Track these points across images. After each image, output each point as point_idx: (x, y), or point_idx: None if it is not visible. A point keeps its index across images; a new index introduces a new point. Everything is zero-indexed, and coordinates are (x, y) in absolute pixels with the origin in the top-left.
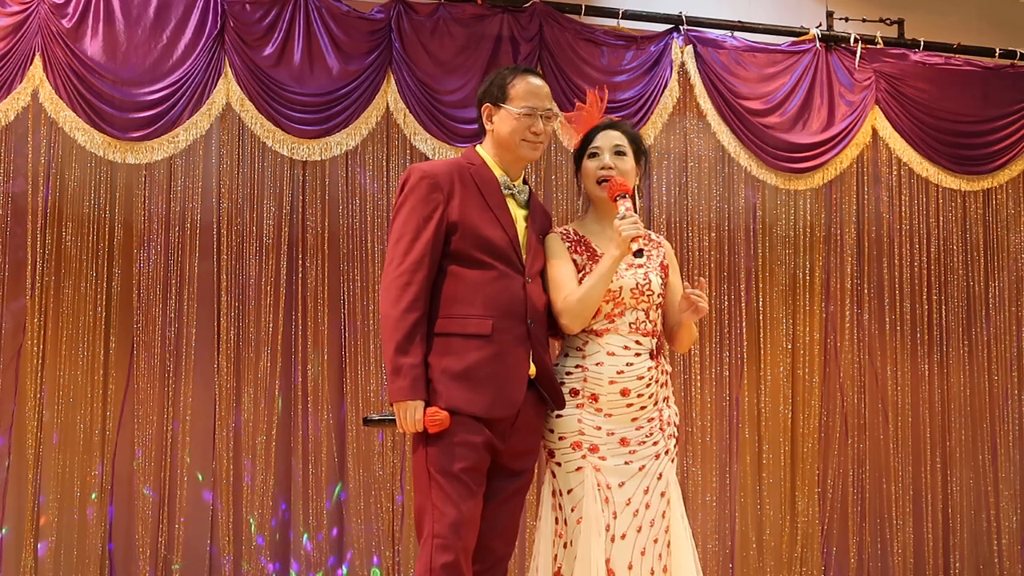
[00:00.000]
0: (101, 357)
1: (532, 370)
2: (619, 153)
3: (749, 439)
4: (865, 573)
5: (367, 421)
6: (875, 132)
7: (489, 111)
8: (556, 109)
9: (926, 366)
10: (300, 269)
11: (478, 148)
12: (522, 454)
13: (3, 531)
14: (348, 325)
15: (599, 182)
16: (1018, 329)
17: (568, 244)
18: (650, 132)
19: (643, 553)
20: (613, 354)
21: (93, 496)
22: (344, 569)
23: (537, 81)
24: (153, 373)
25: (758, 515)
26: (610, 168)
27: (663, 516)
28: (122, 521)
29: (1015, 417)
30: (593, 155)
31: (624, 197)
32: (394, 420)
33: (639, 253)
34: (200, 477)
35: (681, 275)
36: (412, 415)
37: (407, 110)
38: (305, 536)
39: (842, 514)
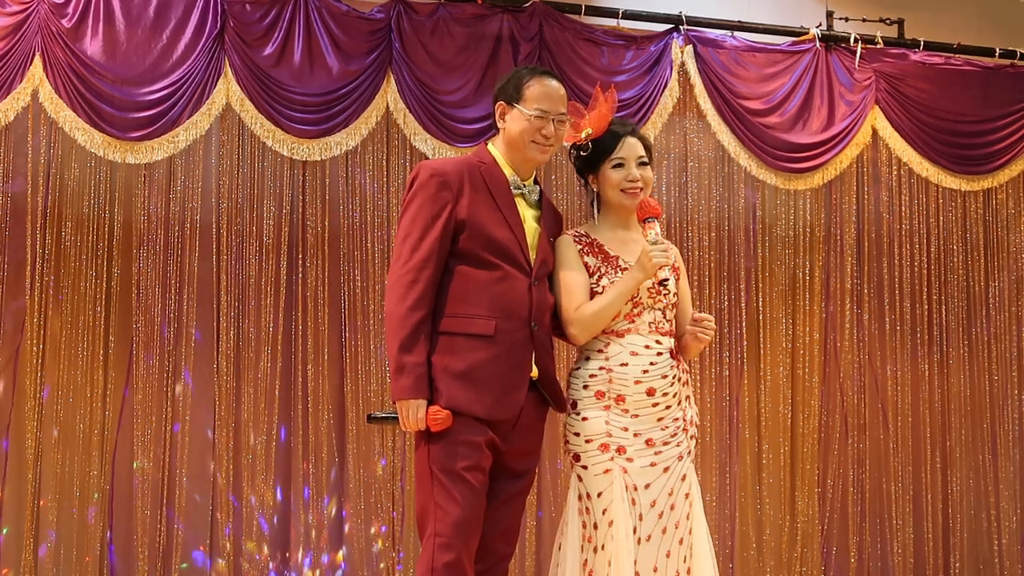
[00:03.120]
0: (101, 357)
1: (534, 372)
2: (643, 164)
3: (749, 439)
4: (865, 573)
5: (371, 419)
6: (875, 132)
7: (503, 109)
8: (567, 117)
9: (926, 366)
10: (300, 269)
11: (489, 146)
12: (524, 455)
13: (3, 531)
14: (348, 325)
15: (623, 191)
16: (1018, 329)
17: (580, 247)
18: (650, 132)
19: (668, 555)
20: (636, 354)
21: (93, 496)
22: (344, 568)
23: (554, 84)
24: (152, 373)
25: (758, 515)
26: (637, 180)
27: (687, 518)
28: (122, 521)
29: (1015, 417)
30: (618, 165)
31: (653, 221)
32: (397, 418)
33: (664, 282)
34: (199, 477)
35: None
36: (414, 414)
37: (407, 110)
38: (305, 536)
39: (842, 514)
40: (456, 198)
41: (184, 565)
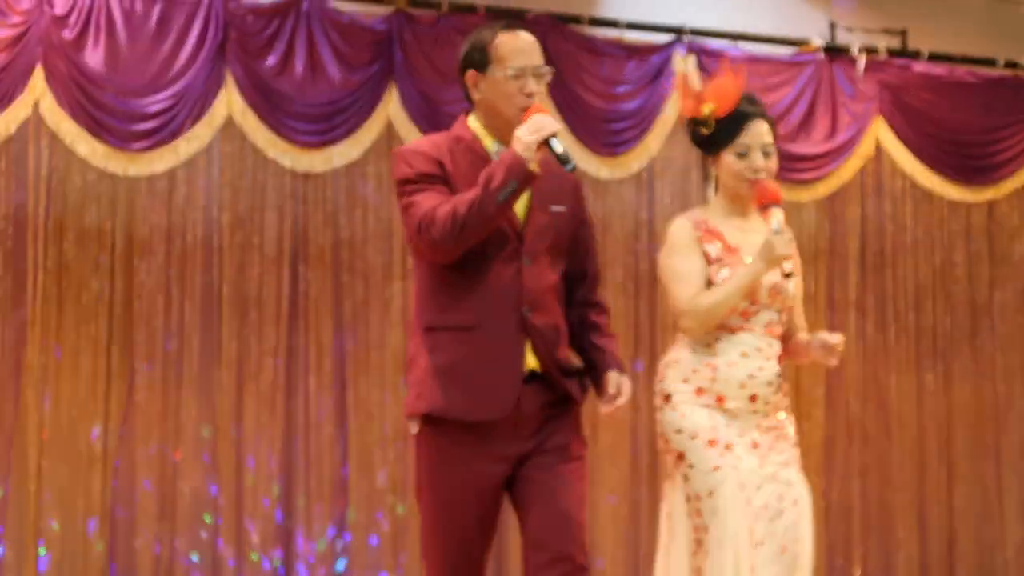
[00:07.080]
0: (103, 369)
1: (532, 364)
2: (768, 154)
3: None
4: None
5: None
6: (878, 143)
7: (474, 79)
8: (547, 67)
9: (930, 377)
10: (302, 281)
11: (469, 120)
12: (554, 450)
13: (4, 544)
14: (350, 337)
15: (745, 180)
16: (1022, 340)
17: (699, 233)
18: (652, 143)
19: (774, 561)
20: (747, 355)
21: (95, 509)
22: None
23: (524, 34)
24: (155, 385)
25: None
26: (761, 171)
27: (796, 525)
28: (123, 534)
29: (1019, 428)
30: (741, 154)
31: (776, 208)
32: (562, 153)
33: (789, 276)
34: (201, 489)
35: None
36: (536, 125)
37: (409, 121)
38: (308, 548)
39: (846, 526)
40: (443, 169)
41: None
